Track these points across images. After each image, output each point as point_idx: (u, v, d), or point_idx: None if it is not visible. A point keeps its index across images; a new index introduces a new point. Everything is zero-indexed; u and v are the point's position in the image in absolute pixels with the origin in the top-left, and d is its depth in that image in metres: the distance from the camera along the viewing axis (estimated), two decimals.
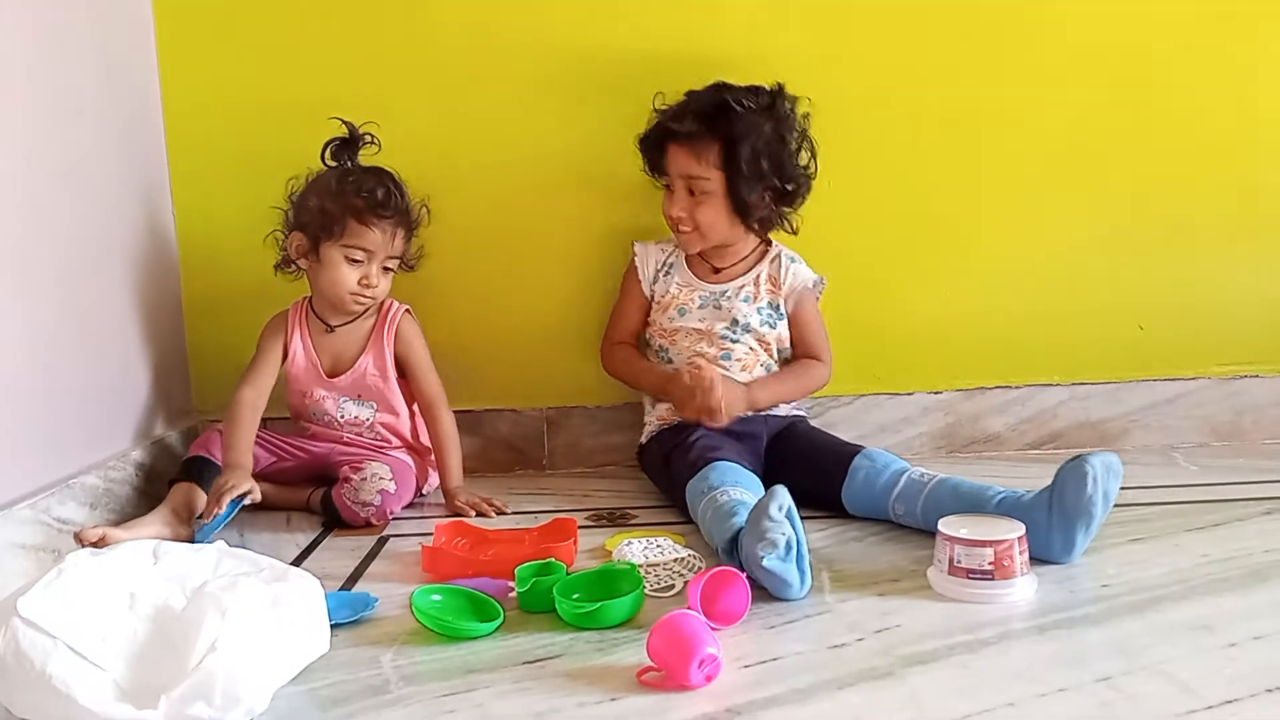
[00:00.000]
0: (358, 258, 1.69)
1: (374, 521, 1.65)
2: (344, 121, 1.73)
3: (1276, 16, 1.90)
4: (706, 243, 1.79)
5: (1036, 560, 1.35)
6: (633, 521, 1.65)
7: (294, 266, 1.76)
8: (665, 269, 1.86)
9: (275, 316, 1.80)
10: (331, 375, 1.78)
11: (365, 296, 1.72)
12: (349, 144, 1.74)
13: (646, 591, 1.31)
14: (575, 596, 1.28)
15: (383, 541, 1.59)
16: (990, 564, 1.27)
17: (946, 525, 1.32)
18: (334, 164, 1.73)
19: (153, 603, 1.07)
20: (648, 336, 1.88)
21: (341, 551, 1.55)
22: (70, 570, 1.07)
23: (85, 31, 1.67)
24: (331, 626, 1.16)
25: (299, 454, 1.80)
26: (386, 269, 1.73)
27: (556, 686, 1.10)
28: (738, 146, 1.70)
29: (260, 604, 1.08)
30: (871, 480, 1.57)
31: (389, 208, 1.69)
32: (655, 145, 1.78)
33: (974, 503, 1.45)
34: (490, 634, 1.23)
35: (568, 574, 1.33)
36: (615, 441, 1.96)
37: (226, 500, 1.56)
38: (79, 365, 1.61)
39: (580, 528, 1.59)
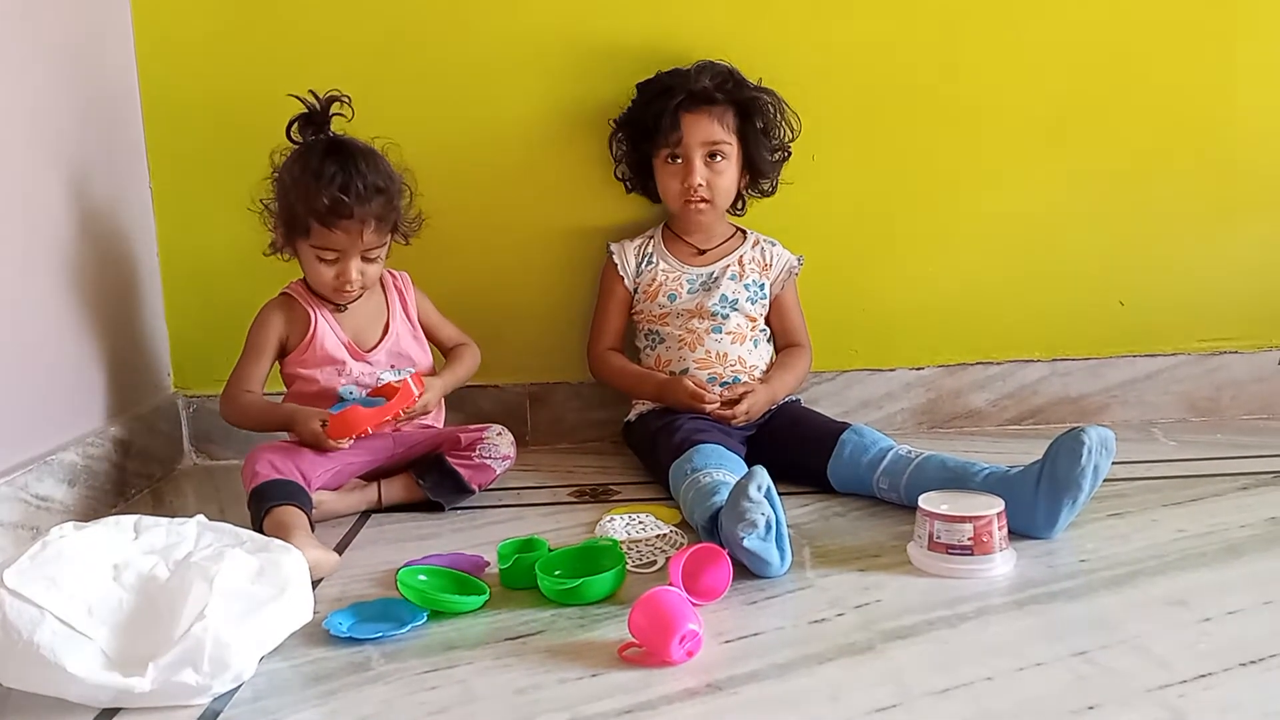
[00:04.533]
0: (329, 258, 1.59)
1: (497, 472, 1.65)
2: (303, 98, 1.60)
3: None
4: (715, 213, 1.81)
5: (1016, 535, 1.36)
6: (616, 498, 1.65)
7: (281, 253, 1.66)
8: (646, 259, 1.85)
9: (274, 302, 1.67)
10: (366, 350, 1.67)
11: (347, 292, 1.62)
12: (313, 120, 1.61)
13: (628, 568, 1.32)
14: (557, 573, 1.28)
15: (365, 516, 1.59)
16: (969, 539, 1.28)
17: (926, 501, 1.33)
18: (299, 140, 1.61)
19: (137, 573, 1.09)
20: (635, 325, 1.88)
21: (322, 528, 1.54)
22: (54, 542, 1.08)
23: (61, 5, 1.64)
24: (372, 640, 1.16)
25: (358, 452, 1.63)
26: (369, 259, 1.61)
27: (538, 663, 1.10)
28: (752, 111, 1.78)
29: (245, 574, 1.09)
30: (857, 456, 1.57)
31: (350, 207, 1.54)
32: (670, 118, 1.74)
33: (959, 478, 1.46)
34: (476, 609, 1.24)
35: (549, 550, 1.34)
36: (598, 417, 1.96)
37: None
38: (56, 341, 1.60)
39: (563, 503, 1.59)
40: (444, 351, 1.79)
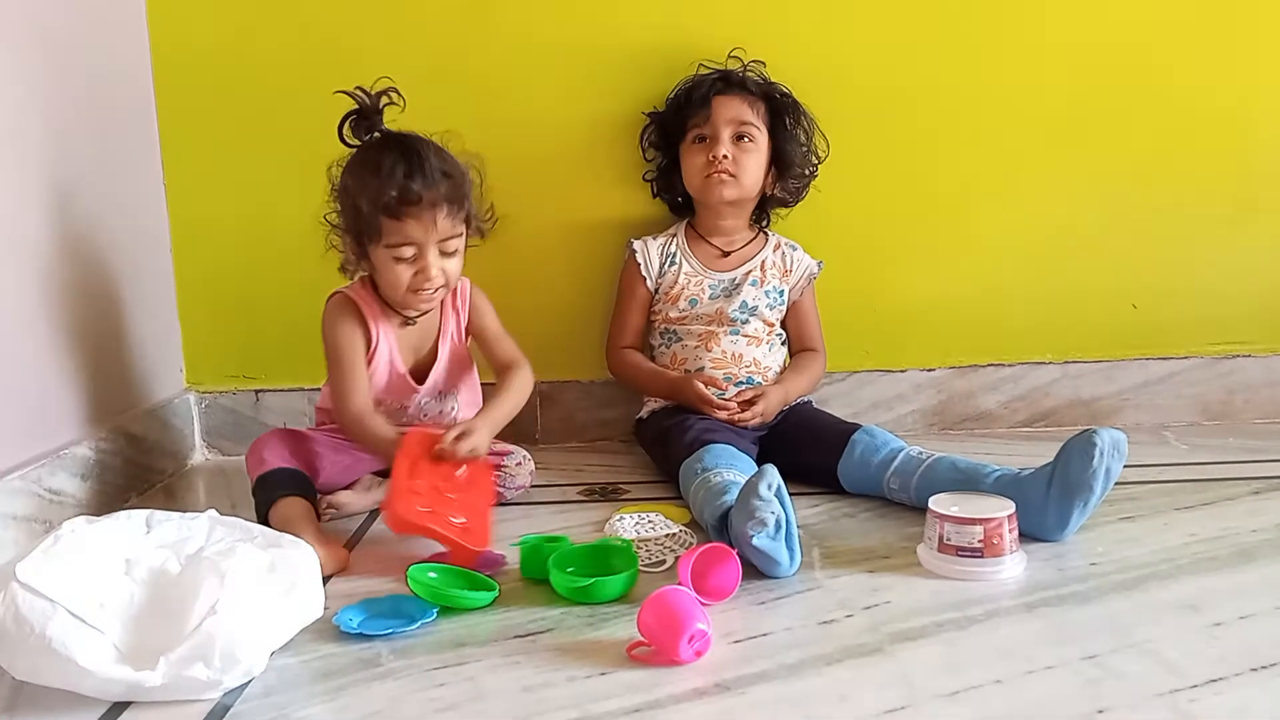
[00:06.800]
0: (406, 255, 1.48)
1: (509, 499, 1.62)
2: (351, 93, 1.49)
3: None
4: (741, 193, 1.79)
5: (1027, 538, 1.35)
6: (625, 496, 1.65)
7: (356, 270, 1.56)
8: (669, 259, 1.85)
9: (339, 303, 1.56)
10: (416, 377, 1.60)
11: (430, 293, 1.51)
12: (365, 116, 1.50)
13: (639, 567, 1.31)
14: (570, 570, 1.28)
15: (376, 513, 1.60)
16: (979, 542, 1.28)
17: (937, 503, 1.33)
18: (355, 143, 1.51)
19: (149, 568, 1.09)
20: (652, 323, 1.88)
21: (329, 526, 1.54)
22: (67, 537, 1.09)
23: None
24: (382, 637, 1.16)
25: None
26: (447, 253, 1.51)
27: (547, 661, 1.11)
28: (783, 110, 1.80)
29: (257, 569, 1.10)
30: (868, 456, 1.57)
31: (418, 192, 1.45)
32: (701, 96, 1.77)
33: (970, 480, 1.45)
34: (486, 605, 1.24)
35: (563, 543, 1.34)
36: (609, 416, 1.96)
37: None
38: (70, 336, 1.60)
39: (573, 502, 1.59)
40: (495, 368, 1.67)
